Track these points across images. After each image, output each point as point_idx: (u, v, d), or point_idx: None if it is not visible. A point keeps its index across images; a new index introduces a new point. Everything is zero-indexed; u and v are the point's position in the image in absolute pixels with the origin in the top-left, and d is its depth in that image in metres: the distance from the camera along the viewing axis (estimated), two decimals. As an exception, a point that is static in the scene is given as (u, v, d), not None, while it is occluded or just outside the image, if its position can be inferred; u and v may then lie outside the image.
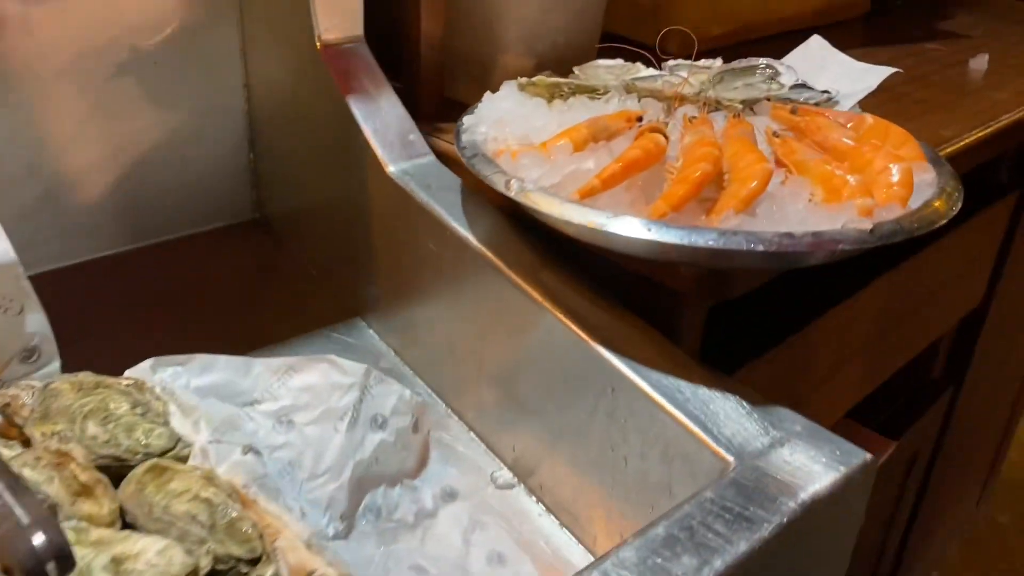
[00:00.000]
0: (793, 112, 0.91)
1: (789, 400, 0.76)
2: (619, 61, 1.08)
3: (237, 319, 1.11)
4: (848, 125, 0.93)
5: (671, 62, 1.10)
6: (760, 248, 0.72)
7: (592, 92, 0.96)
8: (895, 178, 0.83)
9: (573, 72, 1.05)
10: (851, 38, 1.71)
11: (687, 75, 0.98)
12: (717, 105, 0.94)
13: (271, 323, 1.11)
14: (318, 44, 1.01)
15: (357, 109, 1.00)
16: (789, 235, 0.73)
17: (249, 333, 1.08)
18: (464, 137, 0.91)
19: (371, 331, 1.10)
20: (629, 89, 0.96)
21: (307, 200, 1.17)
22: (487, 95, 0.98)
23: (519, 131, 0.92)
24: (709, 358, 0.96)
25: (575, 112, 0.94)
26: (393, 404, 0.87)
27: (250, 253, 1.22)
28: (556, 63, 1.15)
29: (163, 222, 1.19)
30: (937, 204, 0.82)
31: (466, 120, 0.95)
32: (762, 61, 1.02)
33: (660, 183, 0.82)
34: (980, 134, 1.24)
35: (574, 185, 0.80)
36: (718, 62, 1.09)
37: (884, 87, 1.19)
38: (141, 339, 1.05)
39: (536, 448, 0.90)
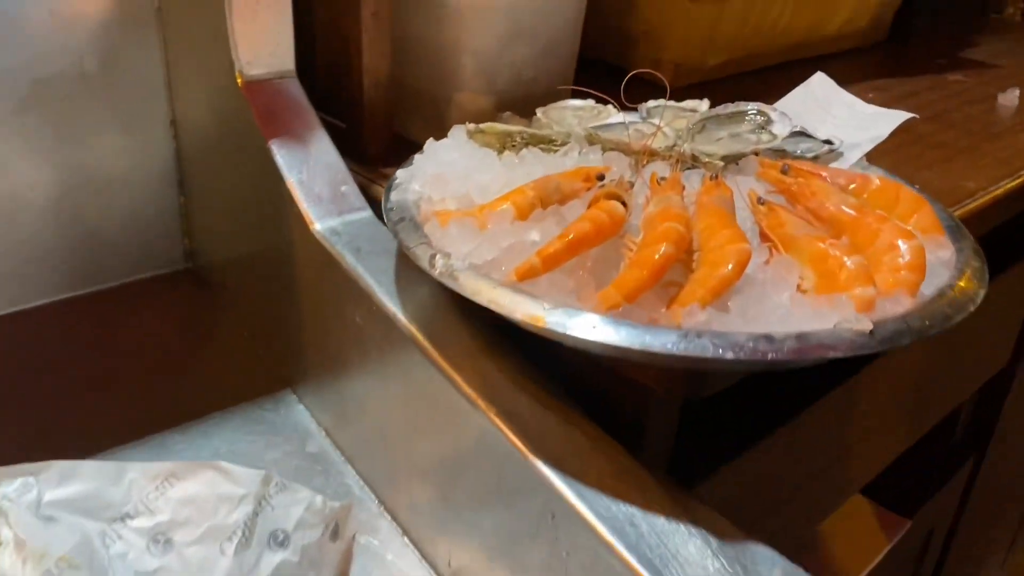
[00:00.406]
0: (784, 171, 0.77)
1: (784, 492, 0.62)
2: (589, 102, 0.94)
3: (154, 385, 0.98)
4: (850, 187, 0.78)
5: (650, 103, 0.96)
6: (729, 355, 0.58)
7: (548, 143, 0.82)
8: (904, 259, 0.68)
9: (535, 115, 0.92)
10: (865, 68, 1.56)
11: (661, 122, 0.84)
12: (694, 161, 0.80)
13: (193, 391, 0.98)
14: (239, 80, 0.88)
15: (281, 155, 0.87)
16: (767, 338, 0.59)
17: (164, 403, 0.95)
18: (393, 196, 0.77)
19: (301, 406, 0.96)
20: (592, 140, 0.82)
21: (238, 252, 1.04)
22: (429, 143, 0.84)
23: (461, 189, 0.78)
24: (684, 458, 0.82)
25: (528, 167, 0.80)
26: (299, 515, 0.73)
27: (179, 307, 1.08)
28: (522, 102, 1.01)
29: (83, 273, 1.06)
30: (954, 293, 0.67)
31: (400, 174, 0.81)
32: (752, 107, 0.87)
33: (617, 261, 0.68)
34: (1009, 186, 1.08)
35: (515, 261, 0.66)
36: (704, 104, 0.95)
37: (899, 128, 1.05)
38: (37, 409, 0.92)
39: (473, 565, 0.76)
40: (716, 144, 0.82)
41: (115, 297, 1.09)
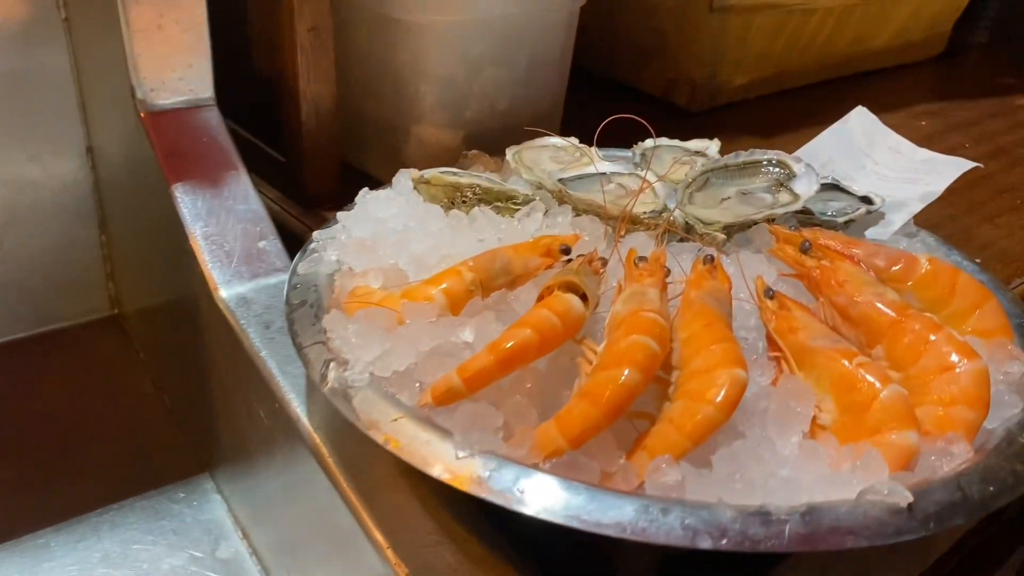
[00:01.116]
0: (804, 250, 0.59)
1: None
2: (573, 140, 0.77)
3: (48, 465, 0.83)
4: (891, 269, 0.60)
5: (647, 143, 0.79)
6: (706, 543, 0.41)
7: (506, 201, 0.65)
8: (960, 385, 0.50)
9: (505, 158, 0.75)
10: (917, 88, 1.36)
11: (647, 173, 0.67)
12: (687, 233, 0.63)
13: (95, 472, 0.83)
14: (139, 111, 0.72)
15: (186, 202, 0.71)
16: (763, 517, 0.42)
17: (59, 488, 0.81)
18: (301, 267, 0.61)
19: (218, 496, 0.81)
20: (561, 198, 0.65)
21: (156, 304, 0.88)
22: (362, 195, 0.67)
23: (391, 259, 0.61)
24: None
25: (478, 232, 0.64)
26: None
27: (96, 364, 0.94)
28: (497, 136, 0.84)
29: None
30: (1029, 439, 0.49)
31: (317, 236, 0.65)
32: (770, 155, 0.69)
33: (571, 374, 0.51)
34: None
35: (438, 372, 0.50)
36: (714, 146, 0.77)
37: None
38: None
39: None
40: (719, 207, 0.65)
41: (26, 349, 0.94)
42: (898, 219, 0.70)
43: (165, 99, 0.73)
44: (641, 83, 1.21)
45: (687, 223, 0.62)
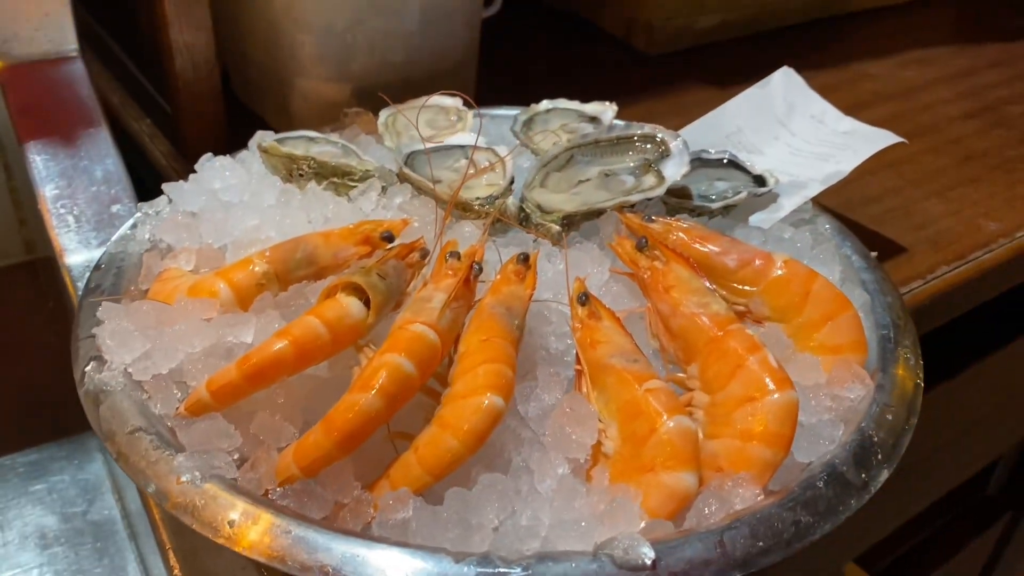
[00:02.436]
0: (639, 247, 0.53)
1: None
2: (456, 102, 0.71)
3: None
4: (741, 271, 0.54)
5: (542, 105, 0.72)
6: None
7: (342, 176, 0.60)
8: (762, 416, 0.45)
9: (379, 119, 0.70)
10: (911, 32, 1.23)
11: (504, 151, 0.61)
12: (523, 222, 0.57)
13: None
14: (-8, 63, 0.69)
15: (36, 163, 0.69)
16: (481, 564, 0.38)
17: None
18: (111, 245, 0.58)
19: (100, 456, 0.81)
20: (402, 177, 0.60)
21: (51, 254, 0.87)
22: (203, 161, 0.64)
23: (218, 235, 0.58)
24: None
25: (314, 206, 0.59)
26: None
27: (10, 309, 0.93)
28: (395, 91, 0.79)
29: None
30: (830, 487, 0.44)
31: (144, 207, 0.61)
32: (646, 130, 0.63)
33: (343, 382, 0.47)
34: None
35: (206, 375, 0.47)
36: (610, 112, 0.71)
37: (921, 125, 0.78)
38: None
39: None
40: (570, 192, 0.59)
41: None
42: (789, 203, 0.64)
43: (20, 51, 0.70)
44: (602, 21, 1.12)
45: (524, 211, 0.57)
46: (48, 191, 0.67)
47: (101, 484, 0.78)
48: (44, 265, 0.95)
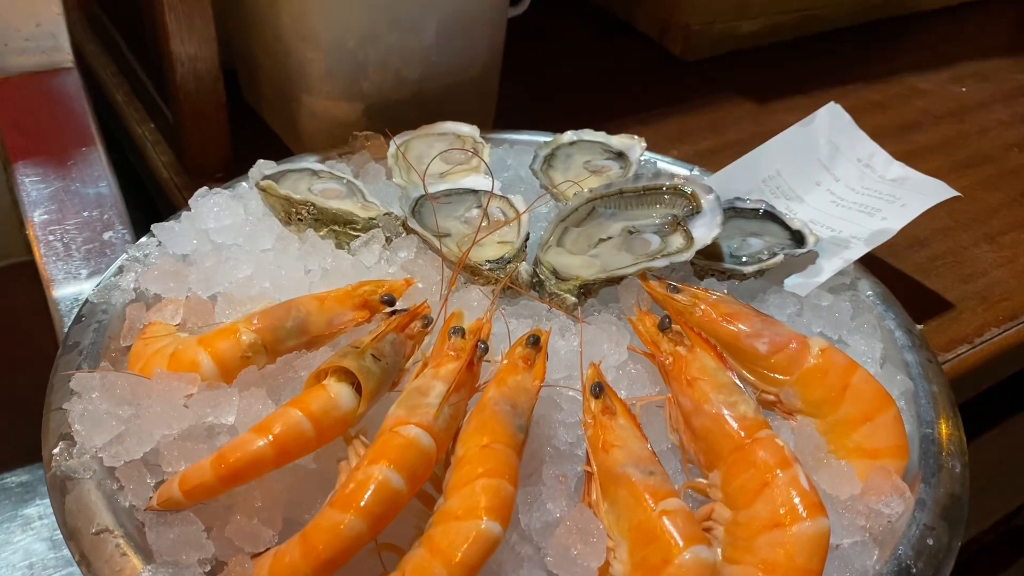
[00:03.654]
0: (662, 328, 0.49)
1: None
2: (475, 131, 0.66)
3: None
4: (773, 358, 0.49)
5: (566, 136, 0.67)
6: None
7: (345, 225, 0.56)
8: (789, 547, 0.40)
9: (389, 150, 0.65)
10: (974, 39, 1.16)
11: (520, 202, 0.56)
12: (536, 288, 0.52)
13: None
14: (-21, 75, 0.65)
15: (25, 184, 0.65)
16: None
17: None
18: (93, 295, 0.54)
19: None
20: (408, 228, 0.55)
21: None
22: (197, 196, 0.59)
23: (209, 283, 0.54)
24: None
25: (312, 256, 0.55)
26: None
27: (7, 309, 0.90)
28: (409, 110, 0.74)
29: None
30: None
31: (129, 250, 0.57)
32: (676, 181, 0.57)
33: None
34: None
35: (189, 460, 0.43)
36: (638, 148, 0.65)
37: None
38: None
39: None
40: (590, 253, 0.54)
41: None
42: (829, 267, 0.58)
43: (10, 63, 0.65)
44: (636, 22, 1.06)
45: (538, 276, 0.52)
46: (37, 216, 0.64)
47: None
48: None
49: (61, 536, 0.74)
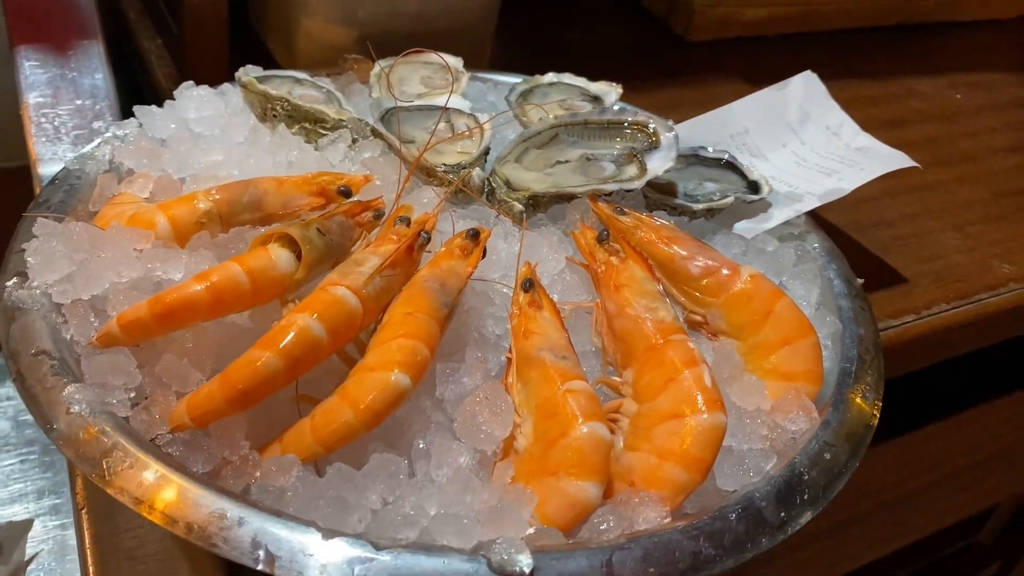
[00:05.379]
0: (600, 240, 0.51)
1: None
2: (458, 62, 0.68)
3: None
4: (704, 279, 0.51)
5: (546, 76, 0.69)
6: (257, 564, 0.36)
7: (314, 123, 0.58)
8: (685, 436, 0.42)
9: (373, 69, 0.67)
10: (976, 52, 1.17)
11: (485, 118, 0.58)
12: (487, 195, 0.54)
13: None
14: (-8, -39, 0.68)
15: (24, 68, 0.68)
16: (352, 544, 0.36)
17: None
18: (71, 162, 0.57)
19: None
20: (375, 133, 0.58)
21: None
22: (182, 88, 0.62)
23: (180, 166, 0.56)
24: None
25: (280, 149, 0.57)
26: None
27: (8, 211, 0.93)
28: (403, 42, 0.76)
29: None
30: (738, 522, 0.41)
31: (114, 129, 0.60)
32: (640, 117, 0.60)
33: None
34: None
35: (126, 306, 0.45)
36: (613, 94, 0.67)
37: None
38: None
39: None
40: (544, 170, 0.56)
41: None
42: (780, 215, 0.60)
43: (24, -48, 0.68)
44: (648, 2, 1.08)
45: (491, 184, 0.55)
46: (32, 98, 0.67)
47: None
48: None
49: (23, 418, 0.77)
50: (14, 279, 0.47)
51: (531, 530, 0.39)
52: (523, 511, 0.39)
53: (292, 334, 0.41)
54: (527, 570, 0.37)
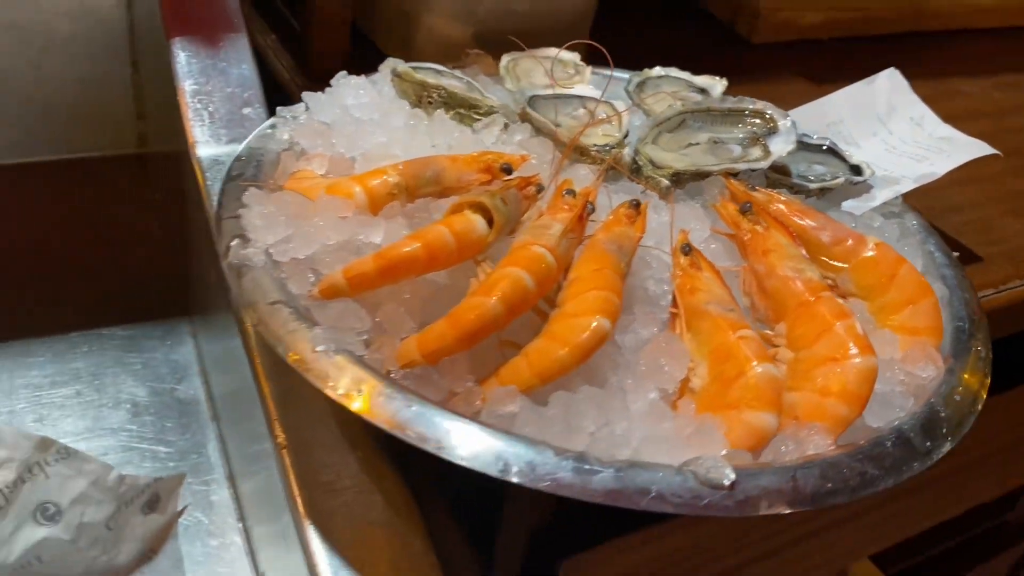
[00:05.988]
0: (743, 211, 0.57)
1: None
2: (575, 56, 0.75)
3: (54, 280, 0.90)
4: (835, 247, 0.58)
5: (655, 70, 0.76)
6: (493, 471, 0.42)
7: (468, 109, 0.65)
8: (842, 376, 0.49)
9: (500, 62, 0.74)
10: (1009, 55, 1.24)
11: (624, 109, 0.65)
12: (635, 172, 0.61)
13: (93, 295, 0.89)
14: (150, -40, 0.74)
15: (180, 57, 0.73)
16: (578, 463, 0.43)
17: (56, 305, 0.87)
18: (253, 140, 0.63)
19: (191, 340, 0.86)
20: (524, 117, 0.64)
21: (169, 149, 0.92)
22: (338, 77, 0.68)
23: (343, 147, 0.62)
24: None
25: (435, 135, 0.64)
26: (80, 490, 0.64)
27: (115, 198, 0.99)
28: (514, 36, 0.83)
29: (21, 145, 0.97)
30: (893, 448, 0.47)
31: (283, 112, 0.66)
32: (757, 106, 0.66)
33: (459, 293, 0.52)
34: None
35: (339, 265, 0.51)
36: (720, 85, 0.74)
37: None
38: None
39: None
40: (681, 151, 0.63)
41: (48, 172, 0.99)
42: (882, 195, 0.67)
43: (176, -45, 0.74)
44: (708, 3, 1.15)
45: (636, 163, 0.61)
46: (187, 85, 0.72)
47: (190, 366, 0.84)
48: (156, 159, 1.01)
49: (160, 385, 0.83)
50: (236, 239, 0.53)
51: (724, 452, 0.45)
52: (718, 434, 0.45)
53: (509, 283, 0.47)
54: (729, 482, 0.43)
